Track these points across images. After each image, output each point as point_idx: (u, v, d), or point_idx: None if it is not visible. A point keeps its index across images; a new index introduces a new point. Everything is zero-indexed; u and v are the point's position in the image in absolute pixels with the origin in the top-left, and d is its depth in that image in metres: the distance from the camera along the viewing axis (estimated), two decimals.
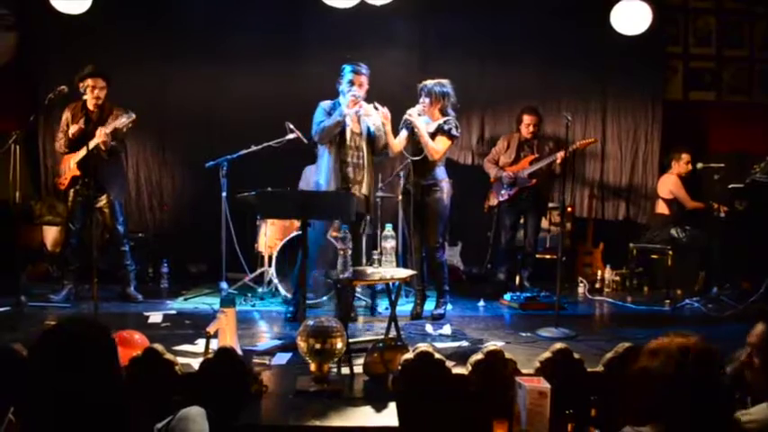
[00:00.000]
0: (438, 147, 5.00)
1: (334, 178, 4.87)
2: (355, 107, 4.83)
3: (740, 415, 1.97)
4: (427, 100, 5.04)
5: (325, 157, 4.94)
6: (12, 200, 5.20)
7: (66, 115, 5.44)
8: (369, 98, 4.96)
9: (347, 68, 4.92)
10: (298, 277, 4.95)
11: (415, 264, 5.15)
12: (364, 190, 4.96)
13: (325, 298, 5.41)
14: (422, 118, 5.03)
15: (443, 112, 5.09)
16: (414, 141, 5.09)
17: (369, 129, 4.98)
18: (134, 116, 5.32)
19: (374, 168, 5.11)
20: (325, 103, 4.97)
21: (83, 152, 5.25)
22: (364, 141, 4.98)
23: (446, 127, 5.02)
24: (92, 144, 5.17)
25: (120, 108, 5.43)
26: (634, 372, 1.88)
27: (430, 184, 5.05)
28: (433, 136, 5.01)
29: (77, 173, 5.36)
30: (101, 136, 5.20)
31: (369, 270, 4.13)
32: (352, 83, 4.87)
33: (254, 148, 5.75)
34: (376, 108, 4.88)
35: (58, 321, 1.86)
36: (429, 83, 5.07)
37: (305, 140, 5.72)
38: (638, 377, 1.85)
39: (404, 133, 5.13)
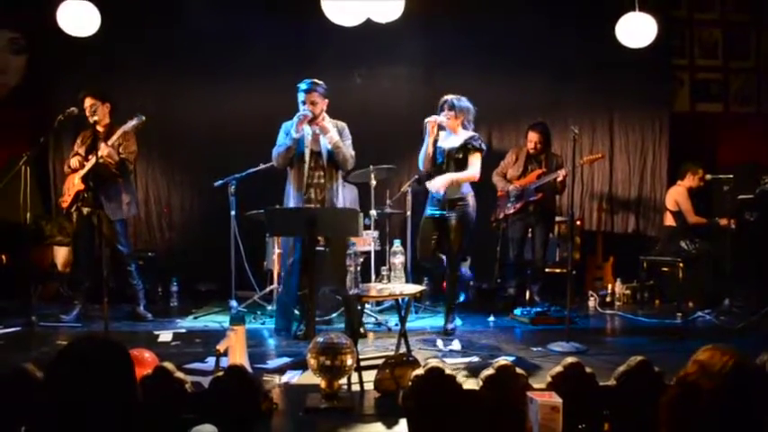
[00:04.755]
0: (476, 167, 5.06)
1: (294, 199, 4.84)
2: (303, 128, 4.77)
3: None
4: (451, 113, 5.07)
5: (288, 178, 4.95)
6: (23, 221, 5.22)
7: (79, 139, 5.57)
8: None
9: (299, 87, 4.86)
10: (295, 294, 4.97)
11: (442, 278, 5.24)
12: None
13: (334, 315, 5.39)
14: (443, 132, 5.10)
15: (464, 127, 5.13)
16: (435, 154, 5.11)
17: (327, 147, 4.87)
18: (143, 118, 5.39)
19: (336, 185, 4.95)
20: (286, 124, 4.91)
21: (87, 166, 5.30)
22: (325, 160, 4.88)
23: (476, 143, 5.08)
24: (94, 159, 5.25)
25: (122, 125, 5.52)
26: (681, 388, 1.83)
27: (456, 199, 5.07)
28: (459, 151, 5.06)
29: (81, 188, 5.38)
30: (103, 149, 5.25)
31: (378, 286, 4.12)
32: (303, 102, 4.81)
33: (262, 166, 5.76)
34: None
35: (73, 340, 1.85)
36: (450, 97, 5.10)
37: None
38: (686, 394, 1.80)
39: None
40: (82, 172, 5.34)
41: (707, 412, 1.75)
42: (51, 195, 6.85)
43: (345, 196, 5.28)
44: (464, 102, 5.11)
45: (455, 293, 5.21)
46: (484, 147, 5.15)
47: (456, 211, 5.06)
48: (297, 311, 5.06)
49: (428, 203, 5.22)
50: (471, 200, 5.13)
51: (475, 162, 5.07)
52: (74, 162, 5.43)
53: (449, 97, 5.10)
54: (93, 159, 5.21)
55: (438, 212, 5.11)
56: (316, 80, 4.87)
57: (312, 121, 4.81)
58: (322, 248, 4.92)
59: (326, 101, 4.90)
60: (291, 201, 4.89)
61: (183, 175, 7.14)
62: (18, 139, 6.34)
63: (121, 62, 6.68)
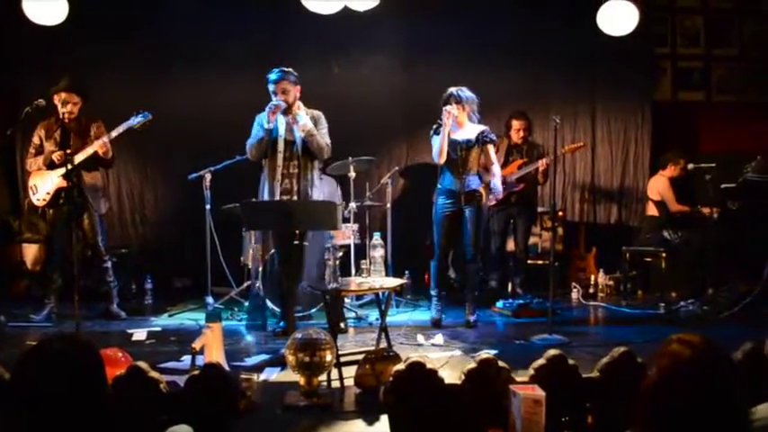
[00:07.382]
0: (495, 159, 5.21)
1: (268, 191, 4.78)
2: (276, 118, 4.69)
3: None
4: (459, 106, 5.03)
5: (263, 170, 4.89)
6: None
7: (40, 133, 5.34)
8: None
9: (269, 78, 4.76)
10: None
11: (443, 270, 5.29)
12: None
13: (313, 310, 5.29)
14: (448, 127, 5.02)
15: (470, 119, 5.13)
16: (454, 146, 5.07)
17: (301, 135, 4.75)
18: (150, 116, 5.26)
19: (312, 175, 4.86)
20: (260, 116, 4.81)
21: (77, 161, 5.12)
22: (299, 149, 4.79)
23: (492, 135, 5.17)
24: (84, 155, 5.14)
25: (99, 120, 5.36)
26: (646, 381, 1.79)
27: (473, 191, 5.05)
28: (476, 143, 5.06)
29: (64, 185, 5.18)
30: (101, 146, 5.16)
31: (358, 280, 4.05)
32: (274, 93, 4.72)
33: (238, 158, 5.64)
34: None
35: (42, 339, 1.80)
36: (453, 90, 5.07)
37: None
38: (650, 385, 1.76)
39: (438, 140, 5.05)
40: (61, 170, 5.02)
41: (679, 404, 1.71)
42: (20, 191, 6.63)
43: (323, 189, 5.18)
44: (467, 92, 5.09)
45: (476, 285, 5.24)
46: (495, 138, 5.26)
47: (473, 204, 5.05)
48: (276, 307, 4.96)
49: (440, 198, 5.13)
50: (483, 192, 5.13)
51: (493, 154, 5.19)
52: (56, 157, 5.14)
53: (452, 90, 5.07)
54: (81, 156, 5.13)
55: (455, 207, 5.08)
56: (285, 68, 4.76)
57: (287, 110, 4.72)
58: (298, 242, 4.81)
59: (298, 87, 4.80)
60: (266, 192, 4.81)
61: (156, 169, 6.98)
62: None
63: (91, 53, 6.47)
